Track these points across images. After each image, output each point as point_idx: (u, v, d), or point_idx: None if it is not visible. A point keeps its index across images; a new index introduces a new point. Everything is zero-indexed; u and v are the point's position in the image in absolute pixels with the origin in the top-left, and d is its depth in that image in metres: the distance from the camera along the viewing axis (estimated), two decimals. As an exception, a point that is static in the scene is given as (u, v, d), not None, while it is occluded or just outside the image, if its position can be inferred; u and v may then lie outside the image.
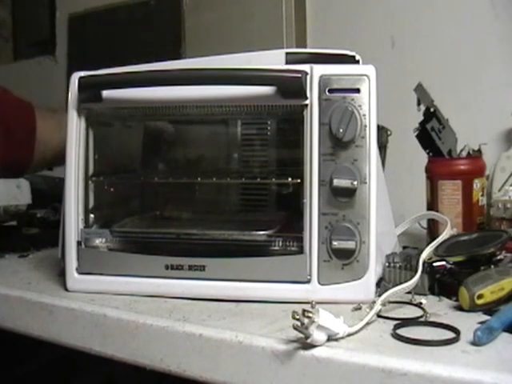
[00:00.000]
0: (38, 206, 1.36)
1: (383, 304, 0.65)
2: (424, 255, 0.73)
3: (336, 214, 0.70)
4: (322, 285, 0.71)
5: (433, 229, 0.96)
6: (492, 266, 0.72)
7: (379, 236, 0.71)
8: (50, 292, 0.80)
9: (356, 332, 0.60)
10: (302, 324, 0.56)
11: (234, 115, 0.89)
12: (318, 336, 0.56)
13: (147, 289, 0.76)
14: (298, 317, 0.56)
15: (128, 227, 0.87)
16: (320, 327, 0.56)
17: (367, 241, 0.70)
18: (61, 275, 0.83)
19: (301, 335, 0.57)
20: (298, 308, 0.57)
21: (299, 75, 0.70)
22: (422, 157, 0.99)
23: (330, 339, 0.58)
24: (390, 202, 0.86)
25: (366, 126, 0.70)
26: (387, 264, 0.74)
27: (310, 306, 0.58)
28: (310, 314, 0.56)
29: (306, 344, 0.57)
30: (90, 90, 0.78)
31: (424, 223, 1.01)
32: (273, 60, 0.76)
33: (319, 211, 0.71)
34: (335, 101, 0.71)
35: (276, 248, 0.77)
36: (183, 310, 0.70)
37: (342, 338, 0.58)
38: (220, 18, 1.58)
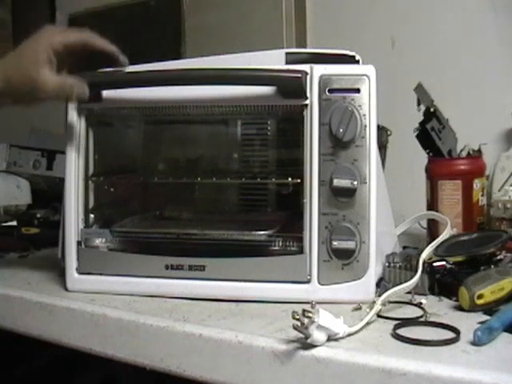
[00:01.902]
0: (38, 206, 1.36)
1: (383, 304, 0.65)
2: (424, 255, 0.73)
3: (336, 214, 0.70)
4: (322, 285, 0.71)
5: (433, 229, 0.96)
6: (492, 266, 0.72)
7: (379, 236, 0.71)
8: (50, 292, 0.80)
9: (356, 332, 0.60)
10: (302, 324, 0.56)
11: (234, 115, 0.89)
12: (317, 336, 0.56)
13: (147, 289, 0.76)
14: (298, 317, 0.56)
15: (128, 227, 0.87)
16: (320, 327, 0.56)
17: (367, 241, 0.70)
18: (61, 275, 0.83)
19: (301, 335, 0.57)
20: (298, 308, 0.57)
21: (299, 75, 0.70)
22: (422, 157, 0.99)
23: (330, 339, 0.58)
24: (389, 202, 0.87)
25: (365, 126, 0.70)
26: (387, 264, 0.74)
27: (309, 305, 0.58)
28: (310, 314, 0.56)
29: (306, 344, 0.57)
30: (90, 90, 0.78)
31: (424, 223, 1.01)
32: (273, 60, 0.76)
33: (319, 211, 0.71)
34: (335, 101, 0.71)
35: (276, 248, 0.77)
36: (183, 310, 0.70)
37: (342, 338, 0.58)
38: (220, 18, 1.58)
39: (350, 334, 0.59)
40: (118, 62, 0.79)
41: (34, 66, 0.76)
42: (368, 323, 0.62)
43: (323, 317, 0.56)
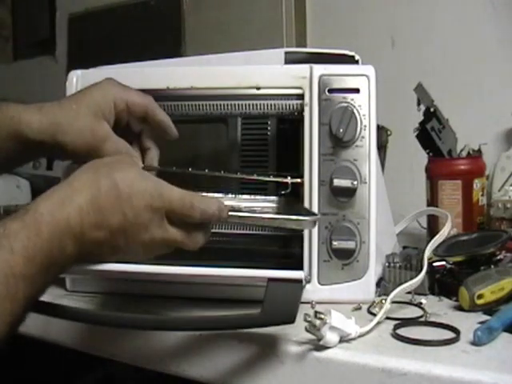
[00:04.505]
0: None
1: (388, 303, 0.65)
2: (427, 253, 0.73)
3: (336, 214, 0.70)
4: (322, 285, 0.71)
5: (433, 227, 0.96)
6: (492, 266, 0.72)
7: (379, 236, 0.71)
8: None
9: (367, 332, 0.59)
10: (314, 326, 0.55)
11: (233, 114, 0.89)
12: (330, 337, 0.56)
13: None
14: (309, 319, 0.55)
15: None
16: (332, 328, 0.56)
17: (367, 241, 0.70)
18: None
19: (300, 335, 0.57)
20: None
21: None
22: (422, 157, 0.99)
23: (342, 340, 0.57)
24: (389, 203, 0.86)
25: (365, 126, 0.70)
26: (387, 264, 0.74)
27: (309, 305, 0.58)
28: (322, 316, 0.55)
29: (306, 344, 0.57)
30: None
31: (424, 223, 1.01)
32: (272, 59, 0.76)
33: (319, 211, 0.71)
34: (335, 101, 0.71)
35: (276, 248, 0.77)
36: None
37: (354, 339, 0.58)
38: (220, 17, 1.58)
39: (361, 335, 0.59)
40: (169, 135, 0.74)
41: (95, 117, 0.67)
42: (378, 323, 0.61)
43: (335, 318, 0.56)
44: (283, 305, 0.56)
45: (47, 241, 0.51)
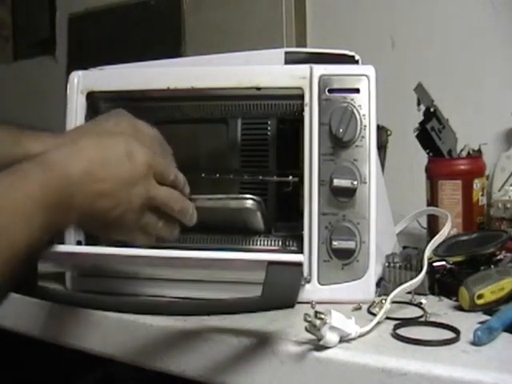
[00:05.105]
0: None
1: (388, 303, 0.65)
2: (427, 253, 0.73)
3: (336, 214, 0.70)
4: (322, 285, 0.71)
5: (433, 227, 0.96)
6: (492, 266, 0.72)
7: (379, 236, 0.71)
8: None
9: (367, 332, 0.59)
10: (314, 326, 0.55)
11: (233, 115, 0.89)
12: (330, 337, 0.56)
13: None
14: (309, 319, 0.55)
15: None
16: (332, 328, 0.56)
17: (367, 241, 0.70)
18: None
19: (300, 335, 0.57)
20: (298, 308, 0.56)
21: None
22: (422, 157, 0.99)
23: (342, 340, 0.57)
24: (389, 203, 0.87)
25: (365, 126, 0.70)
26: (387, 264, 0.74)
27: (309, 305, 0.58)
28: (323, 316, 0.55)
29: (305, 344, 0.57)
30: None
31: (424, 222, 1.01)
32: (272, 59, 0.76)
33: (319, 211, 0.71)
34: (335, 101, 0.71)
35: (275, 248, 0.77)
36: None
37: (354, 339, 0.58)
38: (220, 17, 1.58)
39: (361, 335, 0.59)
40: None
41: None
42: (378, 323, 0.61)
43: (335, 318, 0.56)
44: (283, 288, 0.56)
45: (58, 179, 0.55)
